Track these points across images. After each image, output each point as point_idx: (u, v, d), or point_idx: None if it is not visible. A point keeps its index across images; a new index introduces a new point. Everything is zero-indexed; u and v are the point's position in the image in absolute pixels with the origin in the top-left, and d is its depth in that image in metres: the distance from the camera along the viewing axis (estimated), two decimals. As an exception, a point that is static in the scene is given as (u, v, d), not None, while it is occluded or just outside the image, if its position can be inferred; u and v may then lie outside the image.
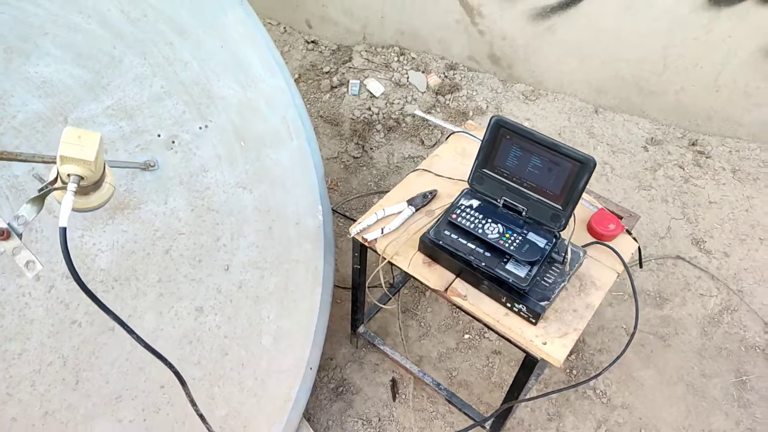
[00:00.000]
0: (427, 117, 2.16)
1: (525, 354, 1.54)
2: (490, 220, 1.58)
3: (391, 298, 2.32)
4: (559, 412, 2.13)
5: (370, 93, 3.05)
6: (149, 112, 1.97)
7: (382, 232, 1.70)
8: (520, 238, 1.55)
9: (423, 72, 3.13)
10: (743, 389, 2.20)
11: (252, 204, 2.01)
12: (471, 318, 2.36)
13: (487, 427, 1.93)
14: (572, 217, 1.56)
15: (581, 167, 1.48)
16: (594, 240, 1.71)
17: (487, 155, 1.61)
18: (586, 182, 1.49)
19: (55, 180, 0.90)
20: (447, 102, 3.05)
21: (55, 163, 0.88)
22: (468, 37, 3.10)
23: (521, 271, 1.50)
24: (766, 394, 2.19)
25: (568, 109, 3.10)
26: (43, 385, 1.73)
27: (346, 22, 3.25)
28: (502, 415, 1.82)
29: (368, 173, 2.83)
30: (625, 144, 2.98)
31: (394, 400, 2.14)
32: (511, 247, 1.52)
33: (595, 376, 1.68)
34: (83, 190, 0.90)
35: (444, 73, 3.16)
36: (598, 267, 1.67)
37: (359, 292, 1.99)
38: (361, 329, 2.17)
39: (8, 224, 0.89)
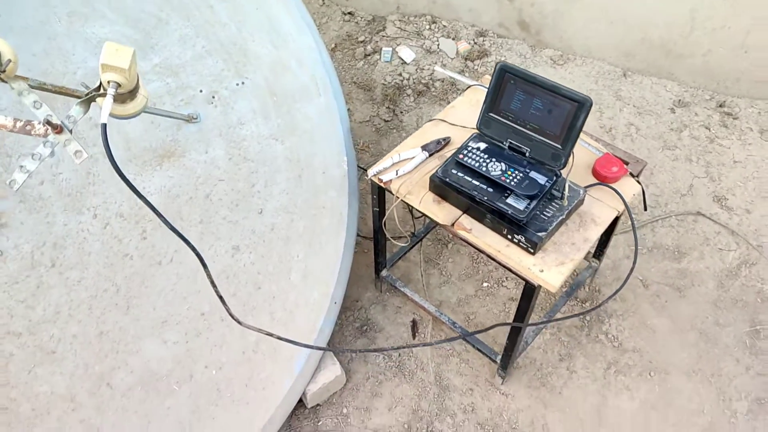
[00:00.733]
0: (446, 72, 2.26)
1: (525, 282, 1.65)
2: (494, 160, 1.70)
3: (413, 246, 2.46)
4: (571, 353, 2.22)
5: (402, 59, 3.17)
6: (192, 70, 2.17)
7: (397, 174, 1.84)
8: (522, 175, 1.66)
9: (453, 39, 3.23)
10: (756, 338, 2.24)
11: (283, 154, 2.19)
12: (490, 268, 2.48)
13: (498, 361, 2.05)
14: (572, 156, 1.66)
15: (579, 107, 1.57)
16: (597, 182, 1.80)
17: (494, 100, 1.72)
18: (584, 121, 1.59)
19: (99, 87, 1.08)
20: (476, 67, 3.14)
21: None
22: (498, 5, 3.17)
23: (521, 204, 1.62)
24: (779, 343, 2.23)
25: (596, 72, 3.14)
26: (98, 308, 1.96)
27: (380, -7, 3.38)
28: (510, 350, 1.94)
29: (398, 135, 2.96)
30: (652, 106, 3.00)
31: (414, 338, 2.28)
32: (512, 183, 1.64)
33: (595, 308, 1.78)
34: (121, 98, 1.08)
35: (474, 40, 3.24)
36: (600, 206, 1.76)
37: (380, 235, 2.14)
38: (384, 273, 2.31)
39: (61, 122, 1.07)
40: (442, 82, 3.09)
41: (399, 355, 2.23)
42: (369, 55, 3.23)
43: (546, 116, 1.64)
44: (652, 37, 2.98)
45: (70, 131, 1.10)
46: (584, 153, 1.89)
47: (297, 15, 2.23)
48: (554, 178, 1.67)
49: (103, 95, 1.04)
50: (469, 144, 1.76)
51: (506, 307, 2.36)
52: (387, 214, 1.97)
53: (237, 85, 2.19)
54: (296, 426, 2.07)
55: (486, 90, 1.72)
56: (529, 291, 1.65)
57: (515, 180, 1.64)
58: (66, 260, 1.97)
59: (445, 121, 2.00)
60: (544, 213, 1.65)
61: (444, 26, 3.30)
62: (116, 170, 1.07)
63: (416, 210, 1.80)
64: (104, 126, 1.02)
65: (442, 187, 1.74)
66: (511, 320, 2.31)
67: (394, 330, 2.30)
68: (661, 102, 3.02)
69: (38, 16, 2.05)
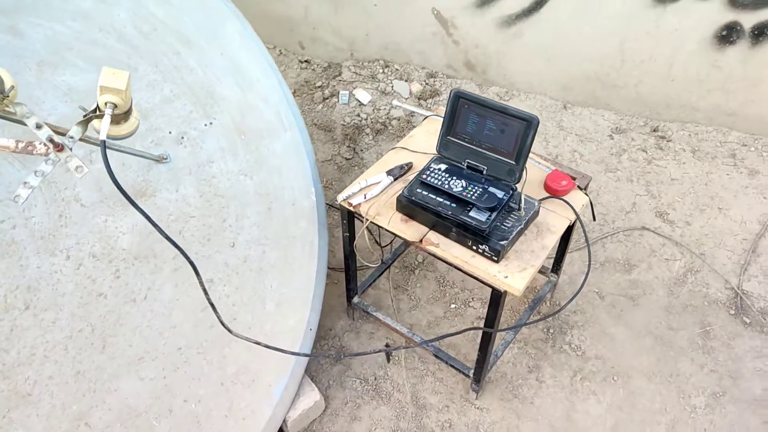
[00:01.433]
0: (403, 105, 2.40)
1: (491, 289, 1.75)
2: (455, 178, 1.82)
3: (381, 273, 2.54)
4: (538, 365, 2.31)
5: (359, 101, 3.32)
6: (161, 113, 2.24)
7: (365, 198, 1.94)
8: (481, 190, 1.78)
9: (406, 81, 3.41)
10: (707, 338, 2.39)
11: (253, 189, 2.26)
12: (456, 290, 2.57)
13: (471, 375, 2.12)
14: (524, 171, 1.80)
15: (527, 125, 1.72)
16: (549, 195, 1.94)
17: (450, 124, 1.85)
18: (533, 138, 1.73)
19: (95, 109, 1.14)
20: (428, 105, 3.32)
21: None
22: (445, 48, 3.39)
23: (482, 216, 1.73)
24: (728, 340, 2.37)
25: (539, 106, 3.36)
26: (74, 348, 1.95)
27: (335, 42, 3.55)
28: (482, 361, 2.02)
29: (359, 172, 3.07)
30: (592, 134, 3.23)
31: (388, 362, 2.33)
32: (473, 197, 1.75)
33: (559, 311, 1.89)
34: (116, 119, 1.14)
35: (425, 81, 3.44)
36: (554, 216, 1.89)
37: (350, 260, 2.21)
38: (355, 300, 2.38)
39: (61, 141, 1.13)
40: (398, 120, 3.25)
41: (375, 378, 2.27)
42: (327, 98, 3.38)
43: (499, 136, 1.78)
44: (587, 71, 3.23)
45: (71, 149, 1.16)
46: (535, 170, 2.04)
47: (261, 58, 2.35)
48: (510, 192, 1.80)
49: (100, 116, 1.11)
50: (431, 165, 1.88)
51: (476, 321, 2.45)
52: (357, 237, 2.06)
53: (205, 125, 2.27)
54: (277, 455, 2.07)
55: (441, 119, 1.86)
56: (496, 297, 1.75)
57: (476, 194, 1.76)
58: (40, 302, 1.97)
59: (406, 148, 2.13)
60: (504, 224, 1.77)
61: (396, 69, 3.49)
62: (116, 185, 1.13)
63: (381, 239, 1.89)
64: (104, 143, 1.09)
65: (408, 207, 1.84)
66: (480, 335, 2.39)
67: (368, 356, 2.35)
68: (600, 130, 3.25)
69: (8, 64, 2.10)
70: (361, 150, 3.17)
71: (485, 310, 2.49)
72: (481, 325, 2.43)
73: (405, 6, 3.27)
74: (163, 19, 2.27)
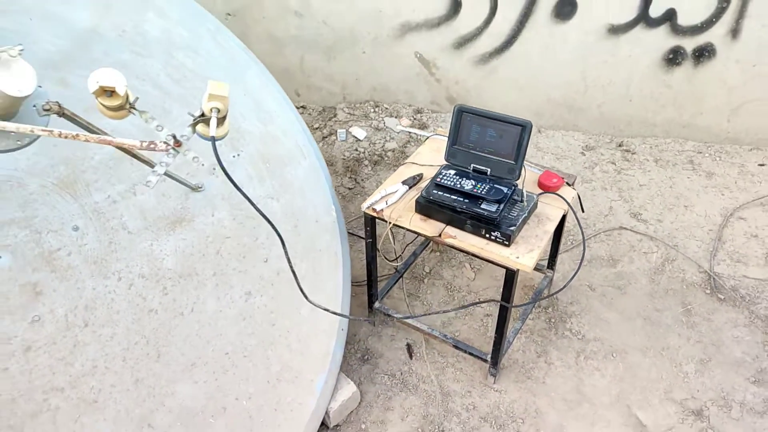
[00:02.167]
0: (406, 129, 2.70)
1: (505, 269, 2.00)
2: (465, 179, 2.10)
3: (396, 281, 2.77)
4: (545, 350, 2.54)
5: (356, 138, 3.62)
6: (194, 147, 2.48)
7: (387, 204, 2.20)
8: (488, 186, 2.06)
9: (396, 117, 3.74)
10: (689, 315, 2.66)
11: (280, 210, 2.50)
12: (463, 294, 2.81)
13: (488, 360, 2.34)
14: (523, 169, 2.09)
15: (523, 129, 2.02)
16: (543, 191, 2.23)
17: (455, 135, 2.15)
18: (528, 140, 2.03)
19: (201, 115, 1.38)
20: (418, 138, 3.64)
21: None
22: (428, 86, 3.74)
23: (492, 207, 2.00)
24: (707, 315, 2.65)
25: (517, 131, 3.71)
26: (132, 359, 2.11)
27: (328, 87, 3.88)
28: (499, 342, 2.25)
29: (361, 199, 3.34)
30: (566, 152, 3.57)
31: (411, 358, 2.53)
32: (483, 192, 2.03)
33: (565, 286, 2.14)
34: (218, 122, 1.38)
35: (413, 116, 3.77)
36: (550, 208, 2.18)
37: (373, 266, 2.45)
38: (377, 305, 2.59)
39: (180, 137, 1.38)
40: (393, 151, 3.55)
41: (401, 373, 2.46)
42: (326, 137, 3.67)
43: (499, 141, 2.08)
44: (556, 98, 3.61)
45: (186, 143, 1.40)
46: (529, 173, 2.33)
47: (278, 96, 2.63)
48: (513, 187, 2.08)
49: (207, 120, 1.36)
50: (442, 171, 2.16)
51: (484, 322, 2.68)
52: (382, 238, 2.30)
53: (233, 156, 2.52)
54: (320, 447, 2.23)
55: (441, 138, 2.15)
56: (510, 276, 2.00)
57: (484, 190, 2.04)
58: (97, 320, 2.14)
59: (415, 163, 2.41)
60: (511, 214, 2.04)
61: (386, 108, 3.82)
62: (224, 172, 1.37)
63: (396, 246, 2.14)
64: (213, 138, 1.33)
65: (426, 206, 2.11)
66: (490, 333, 2.62)
67: (392, 354, 2.55)
68: (573, 148, 3.60)
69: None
70: (362, 180, 3.44)
71: (492, 309, 2.73)
72: (490, 322, 2.67)
73: (391, 52, 3.63)
74: (192, 68, 2.55)
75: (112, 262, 2.25)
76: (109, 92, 1.27)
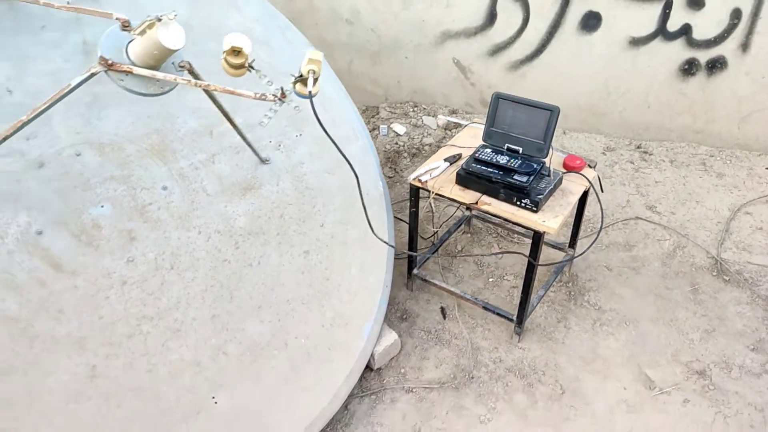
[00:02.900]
0: (449, 118, 3.02)
1: (533, 231, 2.29)
2: (499, 155, 2.40)
3: (433, 253, 3.06)
4: (565, 316, 2.80)
5: (396, 133, 3.95)
6: (263, 128, 2.82)
7: (431, 176, 2.50)
8: (520, 161, 2.35)
9: (433, 116, 4.06)
10: (696, 293, 2.90)
11: (335, 183, 2.81)
12: (492, 269, 3.09)
13: (514, 320, 2.61)
14: (551, 150, 2.38)
15: (551, 114, 2.32)
16: (568, 171, 2.52)
17: (492, 118, 2.45)
18: (556, 122, 2.33)
19: (299, 76, 1.70)
20: (453, 134, 3.95)
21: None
22: (464, 89, 4.06)
23: (523, 178, 2.29)
24: (713, 294, 2.88)
25: (543, 133, 4.00)
26: (209, 299, 2.42)
27: (372, 89, 4.22)
28: (524, 302, 2.52)
29: (401, 187, 3.65)
30: (588, 152, 3.85)
31: (444, 318, 2.81)
32: (515, 166, 2.33)
33: (592, 243, 2.41)
34: (306, 81, 1.70)
35: (450, 116, 4.09)
36: (573, 185, 2.46)
37: (414, 234, 2.74)
38: (415, 271, 2.89)
39: (282, 88, 1.69)
40: (430, 146, 3.87)
41: (435, 331, 2.74)
42: (370, 131, 4.00)
43: (529, 124, 2.38)
44: (580, 103, 3.89)
45: (288, 96, 1.72)
46: (556, 156, 2.62)
47: (336, 85, 2.97)
48: (541, 164, 2.38)
49: (303, 80, 1.68)
50: (480, 149, 2.46)
51: (510, 292, 2.95)
52: (425, 206, 2.60)
53: (296, 136, 2.85)
54: (366, 386, 2.51)
55: (477, 126, 2.45)
56: (537, 237, 2.29)
57: (517, 164, 2.33)
58: (181, 264, 2.46)
59: (455, 145, 2.72)
60: (539, 185, 2.33)
61: (424, 108, 4.15)
62: (321, 126, 1.69)
63: (434, 220, 2.44)
64: (310, 93, 1.66)
65: (466, 177, 2.41)
66: (516, 300, 2.89)
67: (427, 315, 2.83)
68: (594, 149, 3.88)
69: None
70: (401, 170, 3.76)
71: (517, 281, 3.00)
72: (516, 293, 2.94)
73: (431, 58, 3.97)
74: (265, 59, 2.90)
75: (193, 218, 2.59)
76: (237, 52, 1.60)
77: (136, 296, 2.32)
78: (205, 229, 2.57)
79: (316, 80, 1.67)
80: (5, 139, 1.58)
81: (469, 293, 2.94)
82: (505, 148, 2.43)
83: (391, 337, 2.56)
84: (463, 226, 3.27)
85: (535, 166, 2.33)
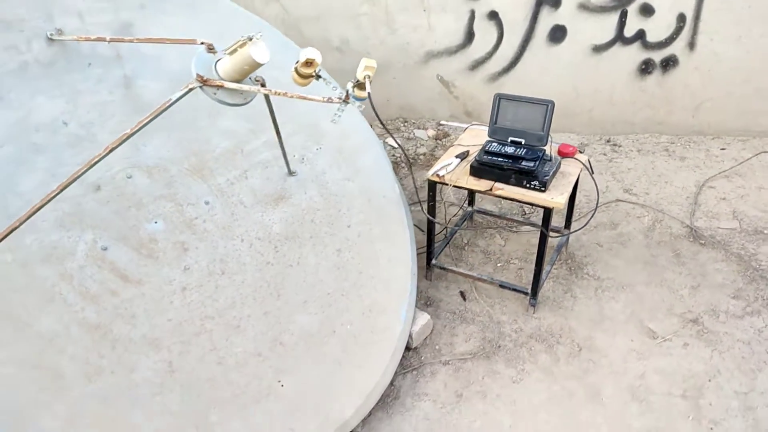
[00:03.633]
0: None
1: (543, 208, 2.59)
2: (505, 147, 2.71)
3: (446, 245, 3.33)
4: (570, 288, 3.10)
5: (391, 146, 4.25)
6: (287, 144, 3.06)
7: (447, 171, 2.79)
8: (525, 150, 2.67)
9: (423, 129, 4.38)
10: (678, 257, 3.25)
11: (356, 189, 3.07)
12: (499, 256, 3.38)
13: (529, 293, 2.90)
14: (549, 138, 2.71)
15: (547, 107, 2.66)
16: (563, 157, 2.85)
17: (495, 115, 2.77)
18: (551, 115, 2.66)
19: (357, 81, 1.96)
20: (443, 143, 4.27)
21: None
22: (448, 102, 4.40)
23: (531, 164, 2.60)
24: (692, 256, 3.23)
25: (523, 135, 4.37)
26: (259, 298, 2.62)
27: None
28: (538, 274, 2.81)
29: (405, 192, 3.93)
30: (566, 149, 4.22)
31: (464, 301, 3.08)
32: (522, 155, 2.64)
33: (572, 231, 2.73)
34: (363, 86, 1.95)
35: (437, 127, 4.41)
36: (570, 168, 2.78)
37: (432, 226, 3.02)
38: (434, 261, 3.15)
39: (347, 90, 1.94)
40: (424, 155, 4.17)
41: (458, 312, 2.99)
42: (367, 147, 4.28)
43: (529, 117, 2.70)
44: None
45: (349, 98, 1.97)
46: (551, 145, 2.95)
47: (347, 103, 3.25)
48: (543, 151, 2.70)
49: (360, 85, 1.94)
50: (487, 143, 2.77)
51: (518, 273, 3.24)
52: (444, 197, 2.87)
53: (316, 149, 3.11)
54: (407, 363, 2.74)
55: (478, 127, 2.76)
56: (547, 212, 2.59)
57: (523, 153, 2.65)
58: (230, 269, 2.66)
59: (461, 144, 3.02)
60: (544, 169, 2.64)
61: (414, 122, 4.46)
62: (377, 116, 1.94)
63: (447, 211, 2.72)
64: (369, 94, 1.92)
65: (479, 168, 2.70)
66: (524, 280, 3.18)
67: (449, 299, 3.09)
68: (571, 146, 4.25)
69: (187, 114, 2.92)
70: (400, 179, 4.04)
71: (522, 263, 3.30)
72: (523, 274, 3.24)
73: (417, 75, 4.30)
74: (282, 81, 3.16)
75: (235, 227, 2.80)
76: (309, 63, 1.86)
77: (196, 299, 2.51)
78: (247, 236, 2.78)
79: (369, 84, 1.94)
80: (113, 149, 1.79)
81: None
82: (509, 140, 2.75)
83: (424, 318, 2.80)
84: (466, 222, 3.56)
85: (538, 153, 2.65)
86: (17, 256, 2.18)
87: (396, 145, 4.23)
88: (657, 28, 3.88)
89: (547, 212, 2.58)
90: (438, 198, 2.88)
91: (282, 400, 2.33)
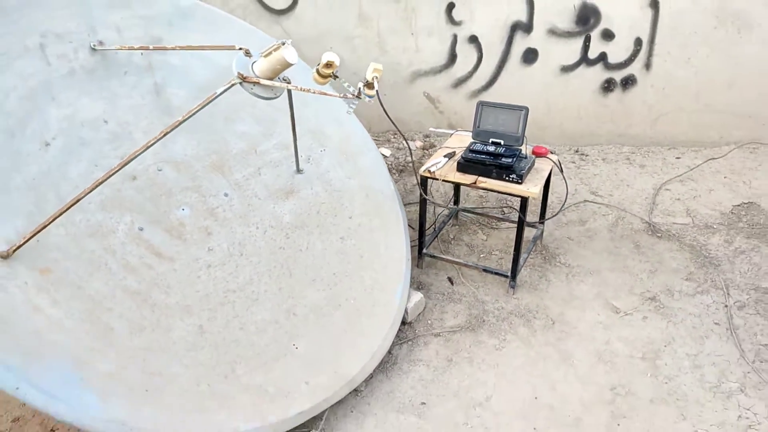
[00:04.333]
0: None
1: (520, 198, 2.99)
2: (487, 146, 3.11)
3: (434, 238, 3.69)
4: (545, 274, 3.48)
5: (384, 155, 4.63)
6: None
7: (437, 168, 3.17)
8: (504, 149, 3.07)
9: (411, 140, 4.78)
10: (639, 248, 3.65)
11: (356, 185, 3.43)
12: (481, 248, 3.76)
13: (509, 276, 3.27)
14: (525, 139, 3.12)
15: (523, 112, 3.07)
16: (537, 156, 3.26)
17: (478, 120, 3.18)
18: (526, 119, 3.07)
19: (366, 81, 2.32)
20: (429, 153, 4.67)
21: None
22: (434, 116, 4.82)
23: (509, 160, 3.00)
24: (651, 246, 3.64)
25: (502, 146, 4.79)
26: (274, 276, 2.94)
27: (357, 122, 4.91)
28: (517, 259, 3.18)
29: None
30: (540, 158, 4.65)
31: (452, 285, 3.43)
32: (501, 152, 3.04)
33: (547, 219, 3.13)
34: (371, 85, 2.32)
35: (423, 139, 4.82)
36: (543, 165, 3.19)
37: (424, 219, 3.38)
38: (425, 250, 3.51)
39: (359, 88, 2.30)
40: (413, 162, 4.56)
41: (446, 293, 3.34)
42: (361, 155, 4.66)
43: (507, 121, 3.11)
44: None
45: (360, 96, 2.33)
46: (526, 146, 3.36)
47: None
48: (519, 150, 3.10)
49: (368, 84, 2.31)
50: (472, 144, 3.17)
51: (499, 262, 3.60)
52: (437, 191, 3.25)
53: (321, 151, 3.48)
54: (402, 335, 3.07)
55: (462, 133, 3.17)
56: (524, 202, 2.98)
57: (502, 151, 3.05)
58: (248, 251, 2.99)
59: (448, 147, 3.42)
60: (521, 164, 3.04)
61: (403, 134, 4.86)
62: (386, 113, 2.31)
63: (435, 206, 3.10)
64: (377, 92, 2.29)
65: (465, 164, 3.08)
66: (504, 265, 3.55)
67: (438, 284, 3.43)
68: (544, 155, 4.69)
69: (206, 119, 3.26)
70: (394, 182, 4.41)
71: (502, 254, 3.67)
72: (504, 260, 3.61)
73: (405, 93, 4.72)
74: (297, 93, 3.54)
75: (251, 217, 3.13)
76: (329, 64, 2.23)
77: (220, 275, 2.83)
78: (261, 225, 3.12)
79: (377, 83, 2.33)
80: (165, 134, 2.13)
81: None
82: (490, 141, 3.15)
83: (417, 296, 3.14)
84: (452, 219, 3.93)
85: (515, 151, 3.06)
86: (69, 231, 2.49)
87: (387, 154, 4.61)
88: (617, 51, 4.36)
89: (524, 201, 2.97)
90: (428, 194, 3.25)
91: (297, 359, 2.64)
